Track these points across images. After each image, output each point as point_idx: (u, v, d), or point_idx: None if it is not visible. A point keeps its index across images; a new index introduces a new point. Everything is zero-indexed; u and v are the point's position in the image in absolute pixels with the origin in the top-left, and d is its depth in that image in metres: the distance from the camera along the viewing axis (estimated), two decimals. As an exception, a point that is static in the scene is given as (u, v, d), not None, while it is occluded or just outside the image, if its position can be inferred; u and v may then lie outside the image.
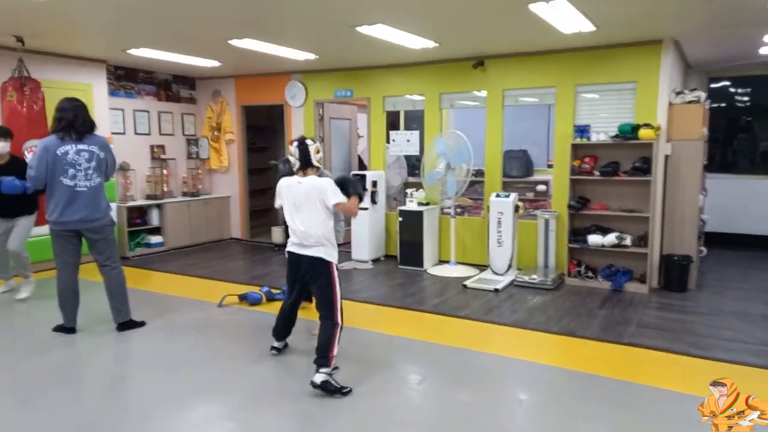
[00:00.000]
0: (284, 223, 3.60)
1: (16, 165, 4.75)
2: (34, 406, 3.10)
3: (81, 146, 3.98)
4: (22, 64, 5.50)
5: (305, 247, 3.36)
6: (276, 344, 3.76)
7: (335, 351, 3.23)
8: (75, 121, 3.96)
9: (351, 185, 3.44)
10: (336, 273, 3.38)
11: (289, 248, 3.47)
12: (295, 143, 3.41)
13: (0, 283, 5.33)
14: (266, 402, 3.19)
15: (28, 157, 4.16)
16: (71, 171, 3.95)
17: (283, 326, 3.73)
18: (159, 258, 7.07)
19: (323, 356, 3.20)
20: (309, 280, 3.43)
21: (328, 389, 3.13)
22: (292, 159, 3.41)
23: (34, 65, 5.71)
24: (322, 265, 3.34)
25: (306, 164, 3.38)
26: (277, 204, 3.53)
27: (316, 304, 3.43)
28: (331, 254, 3.37)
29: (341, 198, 3.33)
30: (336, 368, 3.30)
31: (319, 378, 3.15)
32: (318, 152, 3.41)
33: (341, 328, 3.32)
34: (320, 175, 3.52)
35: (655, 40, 5.37)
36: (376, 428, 2.85)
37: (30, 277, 5.13)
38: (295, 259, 3.44)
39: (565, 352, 3.97)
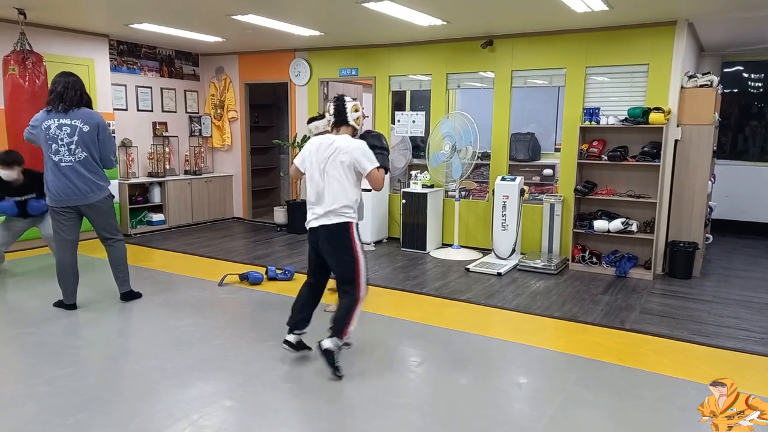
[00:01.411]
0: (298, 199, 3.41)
1: (34, 182, 4.65)
2: (33, 381, 3.10)
3: (63, 120, 3.91)
4: (24, 38, 5.41)
5: (323, 216, 3.09)
6: (289, 337, 3.31)
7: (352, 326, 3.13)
8: (64, 94, 3.90)
9: (379, 157, 3.14)
10: (357, 240, 3.12)
11: (308, 224, 3.18)
12: (333, 99, 3.21)
13: None
14: (264, 381, 3.17)
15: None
16: (54, 146, 3.91)
17: (299, 310, 3.31)
18: (161, 236, 7.05)
19: (339, 328, 3.09)
20: (327, 253, 3.13)
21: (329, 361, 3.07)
22: (327, 116, 3.23)
23: (35, 39, 5.63)
24: (342, 231, 3.08)
25: (340, 122, 3.16)
26: (299, 161, 3.25)
27: (337, 279, 3.20)
28: (351, 219, 3.12)
29: (375, 164, 3.05)
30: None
31: (327, 343, 3.07)
32: (356, 111, 3.16)
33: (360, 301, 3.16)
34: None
35: (669, 22, 5.23)
36: (374, 410, 2.83)
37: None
38: (313, 232, 3.15)
39: (567, 338, 3.93)
